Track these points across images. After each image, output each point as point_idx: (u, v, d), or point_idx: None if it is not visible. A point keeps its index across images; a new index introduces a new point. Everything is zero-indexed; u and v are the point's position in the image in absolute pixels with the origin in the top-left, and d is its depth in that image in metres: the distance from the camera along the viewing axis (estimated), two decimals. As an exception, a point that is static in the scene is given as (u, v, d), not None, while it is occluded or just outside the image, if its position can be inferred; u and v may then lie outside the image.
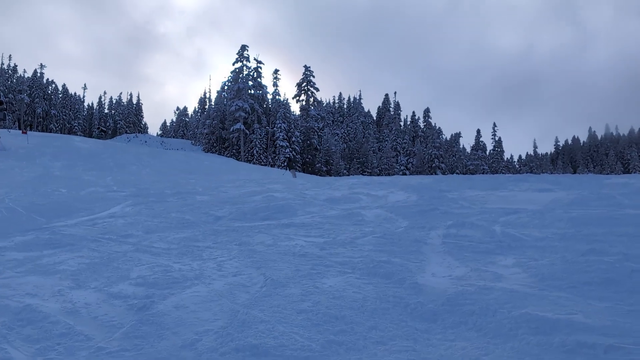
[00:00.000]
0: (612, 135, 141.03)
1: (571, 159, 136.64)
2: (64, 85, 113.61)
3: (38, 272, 6.25)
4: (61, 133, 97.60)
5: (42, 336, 4.22)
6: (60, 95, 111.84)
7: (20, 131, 65.12)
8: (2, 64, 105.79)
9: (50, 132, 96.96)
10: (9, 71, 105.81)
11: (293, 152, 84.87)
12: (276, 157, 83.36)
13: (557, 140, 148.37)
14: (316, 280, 5.48)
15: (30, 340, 4.16)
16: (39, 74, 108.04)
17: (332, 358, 3.52)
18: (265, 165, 77.95)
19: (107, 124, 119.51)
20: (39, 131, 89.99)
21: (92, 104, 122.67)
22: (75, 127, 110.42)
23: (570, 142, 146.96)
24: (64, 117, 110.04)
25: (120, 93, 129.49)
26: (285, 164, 72.79)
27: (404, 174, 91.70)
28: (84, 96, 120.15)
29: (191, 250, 7.38)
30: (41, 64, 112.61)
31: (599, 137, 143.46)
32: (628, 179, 15.31)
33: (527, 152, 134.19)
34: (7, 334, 4.25)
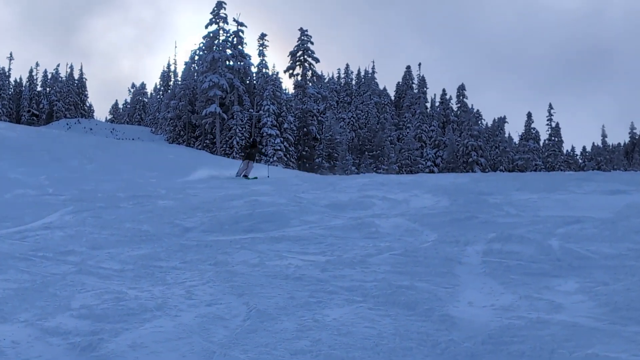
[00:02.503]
0: None
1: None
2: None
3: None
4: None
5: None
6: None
7: None
8: None
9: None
10: None
11: (285, 143, 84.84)
12: (263, 149, 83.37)
13: (633, 128, 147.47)
14: (316, 311, 5.48)
15: None
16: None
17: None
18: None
19: (41, 105, 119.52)
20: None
21: (21, 79, 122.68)
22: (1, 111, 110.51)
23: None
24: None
25: (58, 66, 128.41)
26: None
27: (432, 171, 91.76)
28: (9, 69, 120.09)
29: (151, 272, 7.38)
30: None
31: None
32: None
33: (593, 143, 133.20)
34: None
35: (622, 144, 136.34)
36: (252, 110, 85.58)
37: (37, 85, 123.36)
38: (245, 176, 25.97)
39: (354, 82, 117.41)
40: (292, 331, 4.94)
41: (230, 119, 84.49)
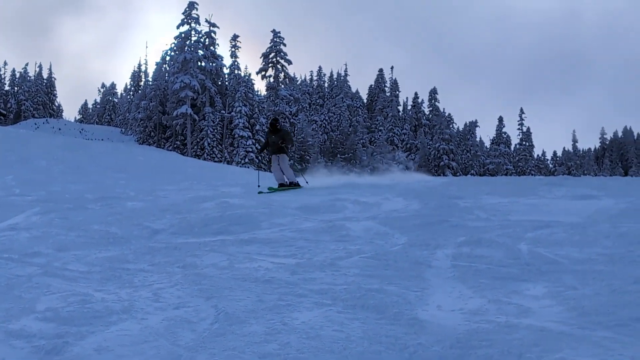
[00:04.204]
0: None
1: (621, 156, 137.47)
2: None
3: None
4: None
5: None
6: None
7: None
8: None
9: None
10: None
11: (257, 145, 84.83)
12: (234, 151, 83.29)
13: (603, 133, 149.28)
14: (285, 314, 5.47)
15: None
16: None
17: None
18: (220, 161, 77.87)
19: (8, 105, 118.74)
20: None
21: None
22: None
23: (620, 134, 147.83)
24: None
25: (26, 65, 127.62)
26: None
27: (403, 174, 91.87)
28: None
29: (119, 274, 7.36)
30: None
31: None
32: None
33: (564, 148, 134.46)
34: None
35: (592, 149, 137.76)
36: (223, 112, 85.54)
37: (5, 84, 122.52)
38: (292, 183, 17.30)
39: (326, 85, 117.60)
40: (260, 334, 4.94)
41: (202, 120, 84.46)
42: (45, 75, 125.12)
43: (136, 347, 4.81)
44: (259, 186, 17.28)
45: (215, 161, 76.10)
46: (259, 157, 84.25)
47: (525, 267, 6.95)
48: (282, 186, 17.35)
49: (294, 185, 17.42)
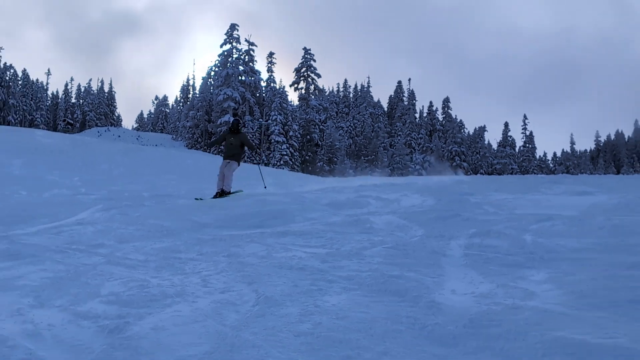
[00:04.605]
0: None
1: (614, 157, 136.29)
2: (24, 71, 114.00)
3: (-7, 288, 6.24)
4: (21, 126, 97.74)
5: (-2, 363, 4.23)
6: (20, 83, 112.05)
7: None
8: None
9: (9, 124, 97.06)
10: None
11: (291, 149, 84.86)
12: (271, 154, 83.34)
13: (597, 136, 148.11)
14: (317, 297, 5.48)
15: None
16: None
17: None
18: (259, 163, 77.87)
19: (75, 115, 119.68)
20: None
21: (57, 92, 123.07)
22: (38, 120, 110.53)
23: (613, 137, 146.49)
24: (24, 107, 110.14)
25: (90, 80, 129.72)
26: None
27: (420, 174, 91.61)
28: (47, 83, 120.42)
29: (172, 262, 7.39)
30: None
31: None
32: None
33: (562, 149, 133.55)
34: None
35: (588, 151, 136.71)
36: (261, 120, 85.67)
37: (72, 97, 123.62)
38: (223, 192, 14.15)
39: (351, 95, 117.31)
40: (295, 315, 4.94)
41: (243, 127, 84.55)
42: (106, 89, 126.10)
43: (187, 327, 4.83)
44: (265, 187, 16.16)
45: (253, 163, 76.20)
46: (292, 159, 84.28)
47: (529, 255, 6.91)
48: (219, 195, 14.10)
49: (226, 194, 14.26)
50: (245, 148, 15.76)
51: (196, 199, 13.04)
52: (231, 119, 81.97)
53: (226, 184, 13.84)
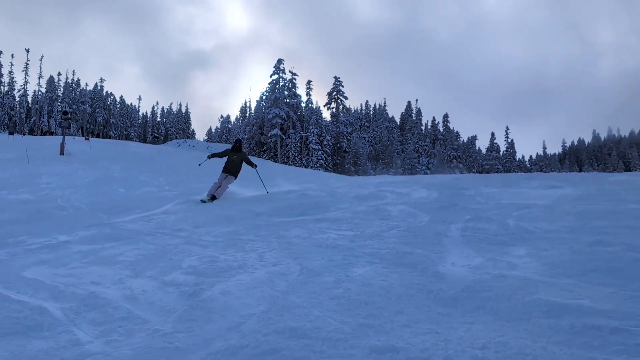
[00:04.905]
0: (614, 137, 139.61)
1: (577, 158, 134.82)
2: (121, 97, 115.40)
3: (101, 262, 6.34)
4: (119, 139, 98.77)
5: (105, 320, 4.29)
6: (118, 106, 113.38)
7: (84, 138, 65.99)
8: (67, 78, 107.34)
9: (110, 138, 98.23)
10: (73, 85, 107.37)
11: (325, 155, 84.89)
12: (309, 159, 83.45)
13: (564, 142, 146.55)
14: (347, 269, 5.49)
15: (95, 323, 4.22)
16: (99, 87, 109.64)
17: (362, 340, 3.52)
18: (300, 166, 78.03)
19: (159, 130, 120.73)
20: (99, 138, 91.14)
21: (146, 113, 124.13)
22: (132, 134, 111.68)
23: (576, 143, 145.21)
24: (121, 125, 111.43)
25: (171, 103, 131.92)
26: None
27: (425, 173, 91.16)
28: (139, 106, 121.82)
29: (235, 242, 7.42)
30: (101, 78, 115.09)
31: (602, 139, 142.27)
32: (629, 177, 15.09)
33: (537, 153, 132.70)
34: (75, 318, 4.32)
35: (556, 154, 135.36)
36: (301, 132, 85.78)
37: (157, 117, 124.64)
38: (214, 197, 12.78)
39: (371, 112, 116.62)
40: (331, 283, 4.95)
41: (287, 138, 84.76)
42: (183, 110, 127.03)
43: (248, 292, 4.85)
44: (267, 192, 14.09)
45: (296, 166, 76.29)
46: (326, 163, 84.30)
47: (512, 235, 6.85)
48: (214, 198, 12.78)
49: (213, 199, 12.94)
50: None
51: (202, 200, 12.47)
52: (277, 132, 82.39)
53: (219, 192, 12.74)
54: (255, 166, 13.65)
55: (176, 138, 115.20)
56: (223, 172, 13.51)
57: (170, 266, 6.05)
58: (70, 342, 3.81)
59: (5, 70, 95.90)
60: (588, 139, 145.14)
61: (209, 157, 13.91)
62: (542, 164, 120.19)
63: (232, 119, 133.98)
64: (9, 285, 5.19)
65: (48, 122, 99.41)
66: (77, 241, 7.88)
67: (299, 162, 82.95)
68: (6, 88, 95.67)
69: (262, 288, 4.95)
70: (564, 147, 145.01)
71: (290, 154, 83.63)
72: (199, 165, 17.50)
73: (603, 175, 16.96)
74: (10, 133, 69.90)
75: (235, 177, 13.50)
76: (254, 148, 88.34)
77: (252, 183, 15.80)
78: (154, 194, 16.00)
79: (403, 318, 3.99)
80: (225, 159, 13.98)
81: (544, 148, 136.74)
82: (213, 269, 5.78)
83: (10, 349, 3.69)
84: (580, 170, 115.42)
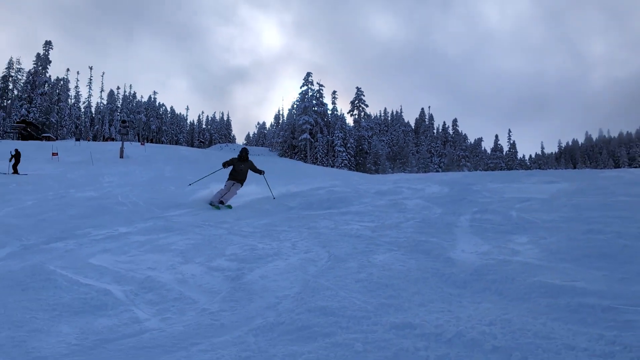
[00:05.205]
0: (605, 138, 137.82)
1: (571, 157, 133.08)
2: (171, 107, 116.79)
3: (156, 250, 6.41)
4: (170, 144, 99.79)
5: (160, 300, 4.34)
6: (169, 115, 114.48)
7: (139, 143, 66.77)
8: (125, 91, 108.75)
9: (162, 143, 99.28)
10: (130, 97, 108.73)
11: (348, 156, 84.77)
12: (335, 160, 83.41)
13: (560, 143, 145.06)
14: (369, 256, 5.47)
15: (151, 303, 4.28)
16: (152, 99, 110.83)
17: (383, 317, 3.53)
18: (326, 166, 78.03)
19: (205, 136, 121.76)
20: (153, 143, 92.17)
21: (193, 121, 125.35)
22: (181, 139, 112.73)
23: (570, 143, 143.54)
24: (172, 131, 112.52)
25: (214, 112, 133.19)
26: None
27: (437, 171, 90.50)
28: (187, 115, 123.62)
29: (271, 233, 7.45)
30: (154, 90, 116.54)
31: (594, 139, 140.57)
32: (618, 173, 14.84)
33: (536, 152, 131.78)
34: (134, 298, 4.39)
35: (553, 153, 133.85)
36: (328, 136, 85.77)
37: (203, 124, 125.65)
38: (222, 202, 11.26)
39: (389, 118, 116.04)
40: (355, 268, 4.95)
41: (315, 142, 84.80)
42: (225, 118, 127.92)
43: (282, 275, 4.88)
44: (274, 198, 12.18)
45: (323, 166, 76.34)
46: (349, 163, 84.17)
47: (514, 225, 6.77)
48: (221, 204, 11.24)
49: (222, 203, 11.30)
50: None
51: (213, 205, 11.10)
52: (307, 136, 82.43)
53: (227, 197, 11.39)
54: (263, 172, 12.59)
55: (219, 142, 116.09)
56: (230, 179, 12.17)
57: (216, 253, 6.09)
58: (131, 320, 3.88)
59: (72, 85, 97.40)
60: (581, 140, 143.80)
61: (224, 166, 12.28)
62: (541, 162, 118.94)
63: (267, 125, 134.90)
64: (78, 270, 5.29)
65: (109, 129, 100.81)
66: (135, 232, 7.98)
67: (326, 162, 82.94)
68: (73, 101, 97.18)
69: (295, 272, 4.97)
70: (559, 147, 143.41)
71: (318, 155, 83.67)
72: (189, 185, 14.82)
73: (595, 172, 16.71)
74: (77, 139, 71.12)
75: (242, 184, 12.28)
76: (287, 150, 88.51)
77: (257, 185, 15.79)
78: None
79: (419, 298, 3.98)
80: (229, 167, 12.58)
81: (542, 148, 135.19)
82: (252, 256, 5.81)
83: (80, 325, 3.77)
84: (575, 168, 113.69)
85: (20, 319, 3.84)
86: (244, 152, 12.48)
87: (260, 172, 12.56)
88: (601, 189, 9.91)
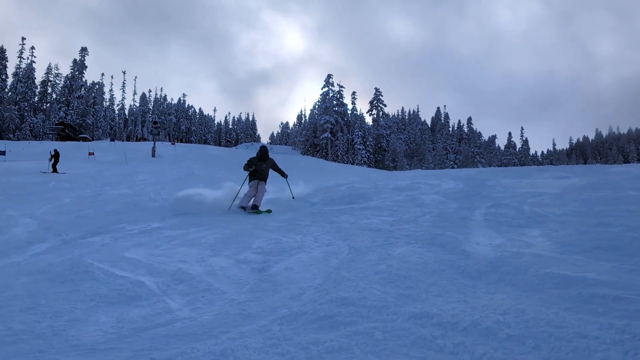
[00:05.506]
0: (615, 134, 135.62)
1: (582, 153, 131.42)
2: (200, 109, 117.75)
3: (186, 244, 6.48)
4: (199, 144, 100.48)
5: (190, 291, 4.39)
6: (197, 116, 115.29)
7: (170, 143, 67.27)
8: (156, 94, 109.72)
9: (191, 143, 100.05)
10: (161, 99, 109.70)
11: (367, 153, 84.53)
12: (355, 157, 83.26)
13: (570, 139, 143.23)
14: (388, 249, 5.47)
15: (183, 294, 4.33)
16: (182, 101, 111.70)
17: (402, 307, 3.53)
18: (347, 163, 77.91)
19: (231, 135, 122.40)
20: (183, 142, 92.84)
21: (221, 121, 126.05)
22: (209, 139, 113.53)
23: (581, 140, 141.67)
24: (200, 131, 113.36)
25: (240, 113, 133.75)
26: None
27: (453, 167, 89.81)
28: (214, 116, 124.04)
29: (295, 227, 7.48)
30: (183, 93, 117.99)
31: (604, 136, 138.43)
32: (627, 168, 14.55)
33: (547, 149, 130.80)
34: (166, 289, 4.44)
35: (564, 149, 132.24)
36: (348, 135, 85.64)
37: (230, 124, 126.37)
38: (256, 207, 10.13)
39: (406, 117, 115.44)
40: (374, 260, 4.95)
41: (336, 140, 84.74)
42: (250, 118, 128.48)
43: (306, 267, 4.90)
44: (293, 198, 11.47)
45: (344, 163, 76.21)
46: (369, 160, 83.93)
47: (527, 219, 6.71)
48: (255, 208, 9.93)
49: (257, 209, 9.92)
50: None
51: (246, 209, 10.02)
52: (328, 135, 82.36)
53: (258, 198, 10.10)
54: (287, 176, 11.31)
55: (245, 142, 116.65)
56: (253, 179, 10.69)
57: (243, 247, 6.12)
58: (163, 310, 3.93)
59: (106, 89, 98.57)
60: (592, 136, 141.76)
61: (246, 169, 10.69)
62: (552, 158, 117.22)
63: (290, 124, 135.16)
64: (114, 263, 5.37)
65: (141, 130, 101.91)
66: (167, 227, 8.08)
67: (346, 159, 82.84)
68: (107, 103, 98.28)
69: (317, 265, 4.99)
70: (570, 143, 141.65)
71: (338, 153, 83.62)
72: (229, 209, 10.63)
73: (605, 167, 16.42)
74: (112, 140, 71.93)
75: (265, 182, 10.88)
76: (309, 149, 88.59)
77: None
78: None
79: (436, 289, 3.97)
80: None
81: (554, 145, 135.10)
82: (277, 249, 5.83)
83: (116, 315, 3.83)
84: (585, 163, 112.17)
85: (60, 309, 3.91)
86: (263, 151, 11.01)
87: (284, 175, 11.27)
88: (611, 183, 9.75)
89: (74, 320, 3.72)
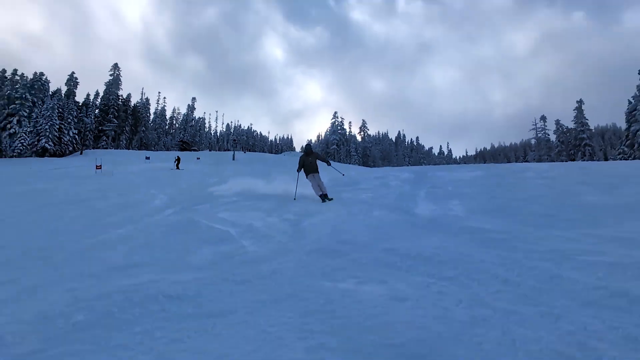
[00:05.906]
0: (502, 146, 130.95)
1: (483, 157, 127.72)
2: (260, 132, 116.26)
3: (252, 209, 6.39)
4: (260, 152, 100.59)
5: (255, 236, 4.34)
6: (259, 136, 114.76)
7: (243, 152, 67.24)
8: (235, 124, 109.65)
9: (255, 152, 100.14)
10: (238, 126, 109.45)
11: (358, 158, 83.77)
12: (350, 160, 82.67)
13: (476, 149, 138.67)
14: (369, 213, 5.44)
15: (251, 238, 4.27)
16: (250, 128, 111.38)
17: (377, 245, 3.53)
18: (346, 164, 77.46)
19: (278, 147, 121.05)
20: (250, 152, 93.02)
21: (272, 139, 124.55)
22: (265, 150, 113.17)
23: (482, 149, 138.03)
24: (260, 145, 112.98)
25: (283, 134, 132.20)
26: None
27: (408, 166, 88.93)
28: (268, 136, 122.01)
29: (315, 201, 7.39)
30: (251, 123, 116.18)
31: (496, 147, 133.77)
32: (510, 166, 14.23)
33: (462, 155, 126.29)
34: (242, 236, 4.40)
35: (472, 155, 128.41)
36: (347, 147, 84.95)
37: (277, 141, 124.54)
38: (325, 195, 7.34)
39: (381, 136, 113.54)
40: (362, 219, 4.93)
41: (339, 150, 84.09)
42: (289, 137, 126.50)
43: (322, 223, 4.83)
44: (343, 175, 10.56)
45: (344, 163, 75.83)
46: (359, 161, 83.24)
47: (451, 194, 6.53)
48: (325, 197, 7.45)
49: (326, 197, 7.42)
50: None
51: (326, 198, 7.50)
52: (334, 147, 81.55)
53: (323, 188, 7.78)
54: (330, 163, 8.85)
55: (285, 151, 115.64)
56: (308, 174, 8.29)
57: (285, 211, 6.08)
58: (240, 247, 3.95)
59: (206, 121, 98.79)
60: (489, 147, 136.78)
61: (298, 170, 8.50)
62: (466, 160, 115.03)
63: (313, 140, 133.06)
64: (212, 220, 5.39)
65: (226, 144, 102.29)
66: (242, 200, 8.01)
67: (345, 161, 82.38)
68: (207, 129, 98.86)
69: (329, 222, 4.96)
70: (476, 151, 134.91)
71: (341, 158, 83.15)
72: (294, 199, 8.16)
73: (496, 165, 16.11)
74: (209, 150, 71.89)
75: (318, 172, 8.43)
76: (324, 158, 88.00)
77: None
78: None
79: (398, 234, 3.98)
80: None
81: (466, 152, 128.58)
82: (305, 213, 5.79)
83: (213, 250, 3.85)
84: (485, 163, 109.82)
85: (181, 247, 3.99)
86: (307, 147, 8.82)
87: (327, 162, 8.75)
88: (498, 175, 9.61)
89: (189, 252, 3.77)
